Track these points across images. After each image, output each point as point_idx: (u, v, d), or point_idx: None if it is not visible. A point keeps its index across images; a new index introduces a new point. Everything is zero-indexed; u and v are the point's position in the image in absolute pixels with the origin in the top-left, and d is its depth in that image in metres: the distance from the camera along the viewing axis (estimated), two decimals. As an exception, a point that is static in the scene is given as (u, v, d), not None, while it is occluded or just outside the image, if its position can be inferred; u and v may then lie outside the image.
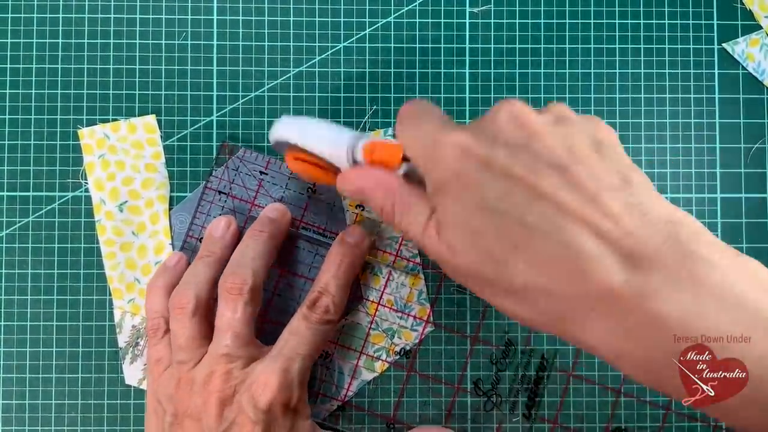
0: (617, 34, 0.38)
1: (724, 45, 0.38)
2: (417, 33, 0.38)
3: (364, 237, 0.35)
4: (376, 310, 0.37)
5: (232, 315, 0.32)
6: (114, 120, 0.37)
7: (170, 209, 0.37)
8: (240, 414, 0.30)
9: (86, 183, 0.37)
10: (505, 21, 0.38)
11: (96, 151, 0.37)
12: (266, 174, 0.37)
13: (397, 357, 0.37)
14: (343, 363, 0.36)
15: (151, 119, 0.37)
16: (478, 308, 0.37)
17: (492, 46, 0.38)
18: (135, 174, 0.37)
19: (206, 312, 0.33)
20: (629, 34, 0.38)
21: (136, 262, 0.37)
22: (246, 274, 0.32)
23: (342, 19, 0.38)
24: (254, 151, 0.37)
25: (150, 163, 0.37)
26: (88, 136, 0.37)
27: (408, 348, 0.37)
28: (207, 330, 0.33)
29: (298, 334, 0.32)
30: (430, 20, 0.38)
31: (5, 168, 0.37)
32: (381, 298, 0.37)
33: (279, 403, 0.30)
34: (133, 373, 0.36)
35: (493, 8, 0.38)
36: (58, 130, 0.37)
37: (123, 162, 0.37)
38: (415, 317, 0.37)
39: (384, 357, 0.36)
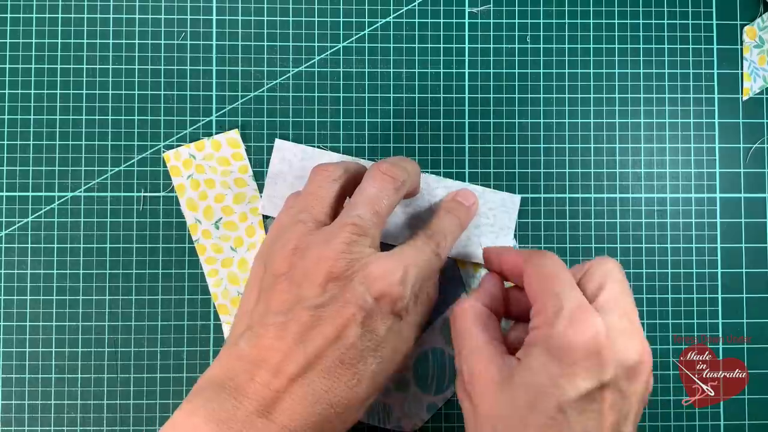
0: (617, 34, 0.38)
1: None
2: (417, 33, 0.38)
3: (476, 201, 0.36)
4: None
5: (377, 192, 0.29)
6: (114, 119, 0.37)
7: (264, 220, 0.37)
8: (347, 292, 0.27)
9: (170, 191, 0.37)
10: (504, 21, 0.38)
11: (184, 172, 0.37)
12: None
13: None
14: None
15: (234, 134, 0.37)
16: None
17: (492, 46, 0.38)
18: (226, 190, 0.37)
19: (347, 191, 0.31)
20: (629, 34, 0.38)
21: (238, 276, 0.37)
22: (405, 174, 0.31)
23: (342, 19, 0.38)
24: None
25: (239, 178, 0.37)
26: (174, 159, 0.37)
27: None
28: (340, 204, 0.31)
29: (415, 249, 0.30)
30: (429, 20, 0.38)
31: (5, 168, 0.37)
32: None
33: (390, 298, 0.28)
34: None
35: (492, 8, 0.38)
36: (58, 130, 0.37)
37: (212, 180, 0.37)
38: None
39: None
